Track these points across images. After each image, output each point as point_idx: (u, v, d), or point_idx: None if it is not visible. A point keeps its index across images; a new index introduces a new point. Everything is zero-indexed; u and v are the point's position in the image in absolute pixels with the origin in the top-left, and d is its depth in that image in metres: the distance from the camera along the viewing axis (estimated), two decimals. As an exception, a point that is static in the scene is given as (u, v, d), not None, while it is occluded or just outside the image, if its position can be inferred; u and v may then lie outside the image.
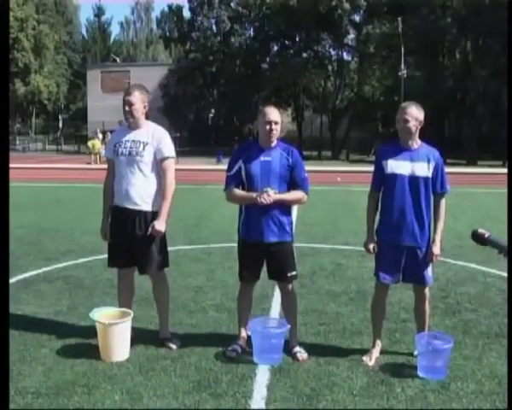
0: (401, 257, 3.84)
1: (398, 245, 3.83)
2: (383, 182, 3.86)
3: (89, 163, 27.71)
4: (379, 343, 4.02)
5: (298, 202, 4.01)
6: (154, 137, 4.01)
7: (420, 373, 3.66)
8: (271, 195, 3.76)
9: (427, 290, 3.97)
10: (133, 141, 4.01)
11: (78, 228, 9.16)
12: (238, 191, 3.94)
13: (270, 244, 3.90)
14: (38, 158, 33.83)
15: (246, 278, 4.07)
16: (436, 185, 3.81)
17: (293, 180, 3.90)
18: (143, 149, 3.97)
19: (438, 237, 3.84)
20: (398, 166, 3.77)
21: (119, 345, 3.86)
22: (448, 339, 3.78)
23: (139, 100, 4.00)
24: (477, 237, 3.30)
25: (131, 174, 3.98)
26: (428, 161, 3.78)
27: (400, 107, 3.85)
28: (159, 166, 4.01)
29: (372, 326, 4.11)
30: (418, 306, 4.05)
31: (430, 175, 3.77)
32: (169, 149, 4.03)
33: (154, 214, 3.99)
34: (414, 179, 3.76)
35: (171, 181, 4.01)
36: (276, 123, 3.82)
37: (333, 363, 3.83)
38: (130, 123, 4.06)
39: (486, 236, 3.22)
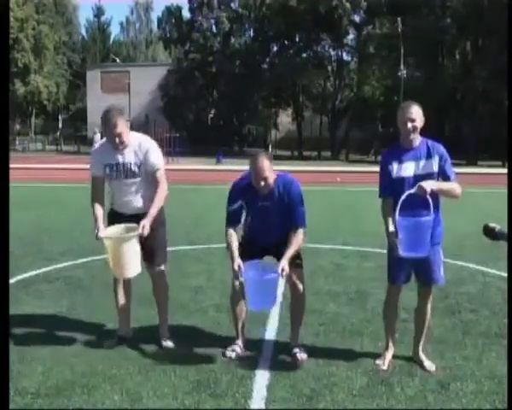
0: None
1: None
2: (392, 187, 3.76)
3: None
4: (392, 347, 3.97)
5: (300, 245, 3.93)
6: (141, 154, 3.95)
7: (402, 253, 3.56)
8: (285, 270, 3.69)
9: (431, 292, 3.91)
10: (123, 164, 3.96)
11: (77, 228, 9.16)
12: (232, 244, 3.84)
13: (273, 245, 3.92)
14: (38, 158, 33.81)
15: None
16: (446, 175, 3.69)
17: (290, 215, 3.89)
18: (138, 169, 3.95)
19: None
20: (403, 168, 3.70)
21: (131, 259, 3.79)
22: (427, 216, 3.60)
23: (124, 126, 3.88)
24: (488, 232, 3.28)
25: (130, 193, 4.01)
26: (432, 157, 3.69)
27: (402, 107, 3.74)
28: (151, 176, 4.00)
29: (384, 330, 4.04)
30: (422, 306, 3.95)
31: (436, 170, 3.67)
32: (158, 160, 3.99)
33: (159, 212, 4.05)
34: (420, 178, 3.64)
35: (164, 189, 4.01)
36: (265, 179, 3.76)
37: (333, 363, 3.83)
38: (120, 149, 3.96)
39: (497, 229, 3.21)
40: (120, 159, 3.97)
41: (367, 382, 3.58)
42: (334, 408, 3.27)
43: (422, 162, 3.70)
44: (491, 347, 4.18)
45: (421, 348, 3.93)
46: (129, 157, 3.96)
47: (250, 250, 3.92)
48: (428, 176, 3.65)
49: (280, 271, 3.63)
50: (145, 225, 3.82)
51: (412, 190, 3.55)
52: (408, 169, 3.70)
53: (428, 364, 3.82)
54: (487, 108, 39.41)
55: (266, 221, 3.92)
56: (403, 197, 3.54)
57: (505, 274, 5.90)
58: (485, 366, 3.84)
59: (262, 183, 3.76)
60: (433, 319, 4.67)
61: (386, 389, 3.49)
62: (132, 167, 3.96)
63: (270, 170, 3.76)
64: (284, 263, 3.68)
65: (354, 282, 6.01)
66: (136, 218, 3.97)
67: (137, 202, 4.04)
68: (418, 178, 3.65)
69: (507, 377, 3.11)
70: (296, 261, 3.95)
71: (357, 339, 4.32)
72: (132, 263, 3.82)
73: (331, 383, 3.55)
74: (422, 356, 3.89)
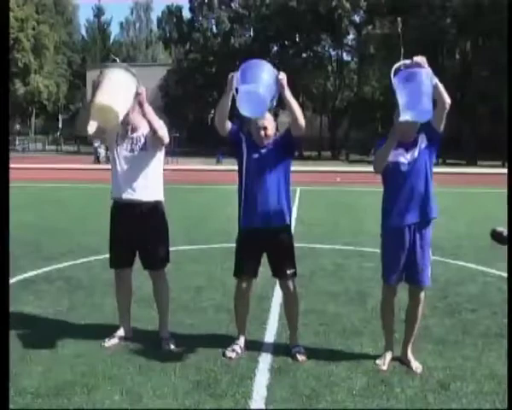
0: (406, 243, 3.76)
1: (403, 229, 3.74)
2: (385, 170, 3.80)
3: None
4: (391, 347, 3.96)
5: (299, 112, 3.97)
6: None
7: (402, 117, 3.45)
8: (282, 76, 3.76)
9: (422, 294, 3.90)
10: (132, 137, 4.02)
11: (78, 228, 9.17)
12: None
13: (270, 231, 3.88)
14: (38, 158, 33.83)
15: (243, 272, 3.98)
16: (431, 127, 3.68)
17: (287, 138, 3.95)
18: (145, 142, 4.00)
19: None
20: (396, 154, 3.74)
21: (118, 89, 3.67)
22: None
23: (135, 110, 3.95)
24: (496, 236, 3.26)
25: (137, 168, 3.99)
26: (421, 142, 3.74)
27: None
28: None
29: (383, 330, 4.04)
30: (411, 307, 3.96)
31: (426, 142, 3.71)
32: (166, 132, 4.04)
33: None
34: (413, 163, 3.72)
35: (163, 125, 4.03)
36: (265, 128, 3.94)
37: (333, 363, 3.83)
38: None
39: (504, 234, 3.20)
40: (130, 128, 4.02)
41: (367, 382, 3.58)
42: (334, 408, 3.27)
43: (413, 149, 3.75)
44: (491, 347, 4.17)
45: (409, 349, 3.91)
46: (138, 130, 4.03)
47: (248, 241, 3.93)
48: (423, 154, 3.73)
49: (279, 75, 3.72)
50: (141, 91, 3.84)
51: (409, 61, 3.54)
52: (402, 156, 3.74)
53: (415, 365, 3.80)
54: (487, 107, 39.40)
55: (257, 176, 3.90)
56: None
57: (505, 274, 5.90)
58: (485, 366, 3.84)
59: (261, 132, 3.94)
60: (433, 318, 4.69)
61: (386, 389, 3.49)
62: (140, 139, 4.00)
63: (271, 124, 3.98)
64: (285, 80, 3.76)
65: (354, 282, 6.01)
66: (139, 207, 3.99)
67: (141, 180, 3.97)
68: (411, 163, 3.73)
69: (507, 377, 3.12)
70: (290, 271, 3.98)
71: (357, 339, 4.31)
72: (117, 93, 3.64)
73: (331, 383, 3.55)
74: (411, 357, 3.87)
